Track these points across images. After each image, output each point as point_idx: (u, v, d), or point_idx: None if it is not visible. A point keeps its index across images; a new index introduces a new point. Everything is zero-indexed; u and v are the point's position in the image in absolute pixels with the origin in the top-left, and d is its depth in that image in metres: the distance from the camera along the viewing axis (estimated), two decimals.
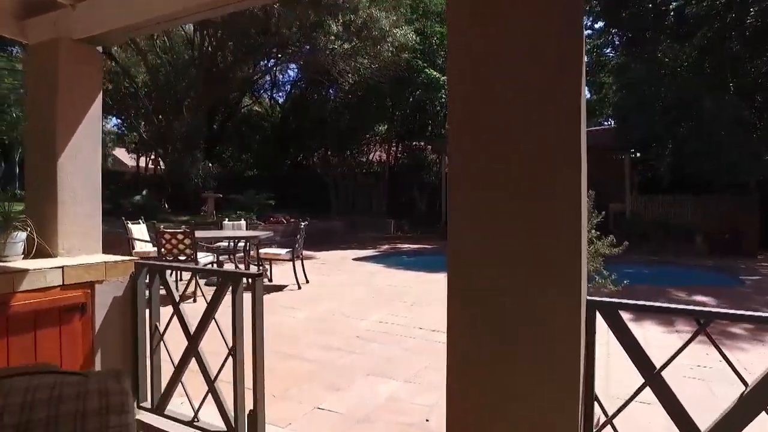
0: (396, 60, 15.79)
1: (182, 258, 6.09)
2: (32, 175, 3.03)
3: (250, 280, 2.44)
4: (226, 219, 8.73)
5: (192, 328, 2.61)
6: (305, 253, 10.53)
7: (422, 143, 21.23)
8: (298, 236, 7.09)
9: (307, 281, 7.40)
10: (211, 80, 16.63)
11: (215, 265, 7.25)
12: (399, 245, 14.27)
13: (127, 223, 7.19)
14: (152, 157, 21.50)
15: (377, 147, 22.47)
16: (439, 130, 20.26)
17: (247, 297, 2.46)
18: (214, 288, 6.46)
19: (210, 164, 15.32)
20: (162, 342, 2.79)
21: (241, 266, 7.77)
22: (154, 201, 13.83)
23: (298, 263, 7.19)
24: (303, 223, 7.20)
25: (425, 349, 4.30)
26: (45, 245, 2.82)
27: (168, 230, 6.03)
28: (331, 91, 22.50)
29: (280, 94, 25.57)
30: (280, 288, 7.05)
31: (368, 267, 9.74)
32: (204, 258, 6.44)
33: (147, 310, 2.87)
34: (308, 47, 15.04)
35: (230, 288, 2.53)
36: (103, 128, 30.38)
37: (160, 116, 15.77)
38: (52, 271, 2.47)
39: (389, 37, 14.52)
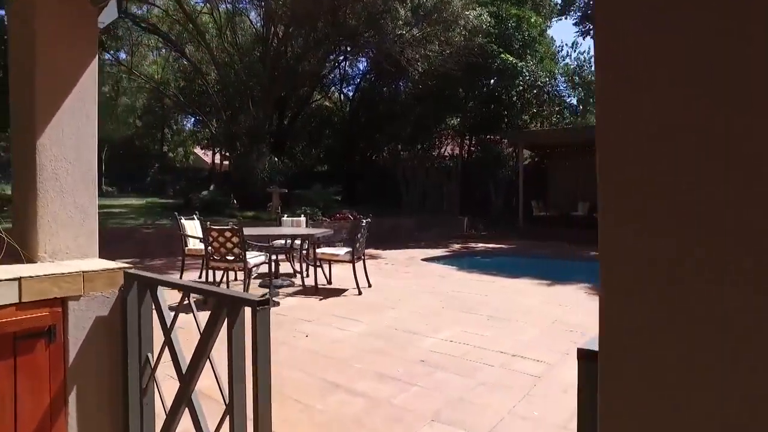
0: (469, 45, 14.69)
1: (230, 258, 5.53)
2: (15, 161, 2.46)
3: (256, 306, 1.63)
4: (285, 215, 8.19)
5: (185, 365, 1.88)
6: (371, 251, 9.83)
7: (497, 136, 19.93)
8: (359, 235, 6.34)
9: (369, 285, 6.65)
10: (279, 74, 16.40)
11: (271, 265, 6.68)
12: (472, 245, 13.24)
13: (180, 219, 6.78)
14: (224, 153, 21.85)
15: (449, 140, 21.45)
16: (515, 121, 18.92)
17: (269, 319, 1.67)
18: (267, 290, 5.63)
19: (276, 159, 15.04)
20: (153, 379, 2.10)
21: (297, 266, 7.17)
22: (222, 196, 13.72)
23: (359, 265, 6.45)
24: (365, 221, 6.44)
25: (508, 382, 3.36)
26: (17, 247, 2.22)
27: (215, 227, 5.49)
28: (400, 83, 21.78)
29: (349, 88, 25.18)
30: (338, 292, 6.34)
31: (438, 269, 8.84)
32: (255, 258, 5.85)
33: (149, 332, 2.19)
34: (375, 36, 14.31)
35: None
36: (183, 127, 31.60)
37: (229, 112, 15.74)
38: (2, 285, 1.83)
39: (461, 20, 13.46)
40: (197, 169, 29.01)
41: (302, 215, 8.24)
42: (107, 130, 23.05)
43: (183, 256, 6.80)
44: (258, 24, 19.05)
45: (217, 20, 16.81)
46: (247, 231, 6.22)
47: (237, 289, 6.19)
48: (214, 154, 26.72)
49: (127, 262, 6.83)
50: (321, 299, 5.93)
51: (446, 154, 21.29)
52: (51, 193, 2.30)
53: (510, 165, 19.88)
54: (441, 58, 14.98)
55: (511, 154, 20.22)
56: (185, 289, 1.82)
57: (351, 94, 25.02)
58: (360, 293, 6.23)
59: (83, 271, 2.05)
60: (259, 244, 6.50)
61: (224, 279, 6.41)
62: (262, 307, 1.51)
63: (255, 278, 6.98)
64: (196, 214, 7.35)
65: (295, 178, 17.65)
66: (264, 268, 6.60)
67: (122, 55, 21.97)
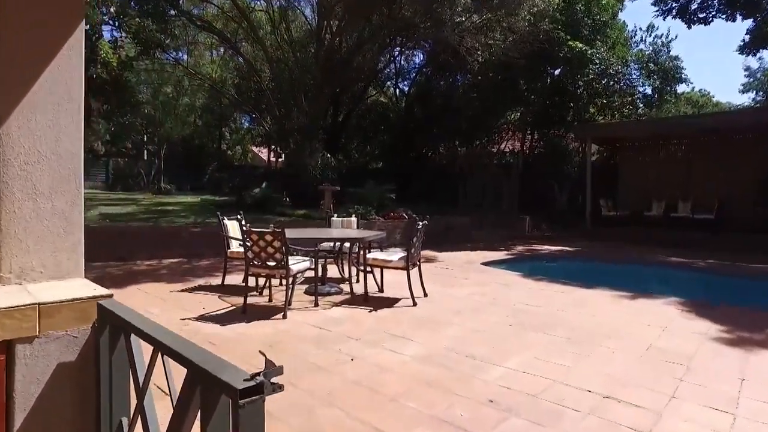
0: (533, 32, 13.63)
1: (271, 263, 5.02)
2: None
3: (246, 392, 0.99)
4: (335, 215, 7.66)
5: None
6: (426, 253, 9.14)
7: (561, 130, 18.67)
8: (414, 239, 5.68)
9: (425, 294, 5.98)
10: (332, 69, 16.01)
11: (317, 271, 6.14)
12: (535, 246, 12.26)
13: (223, 219, 6.37)
14: (278, 150, 21.84)
15: (509, 135, 20.36)
16: (582, 113, 17.61)
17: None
18: (313, 298, 4.95)
19: (329, 156, 14.63)
20: None
21: (347, 271, 6.60)
22: (275, 194, 13.45)
23: (414, 272, 5.79)
24: (420, 223, 5.77)
25: None
26: None
27: (255, 230, 5.00)
28: (458, 76, 20.93)
29: (405, 82, 24.53)
30: (390, 303, 5.71)
31: (500, 275, 8.04)
32: (298, 264, 5.32)
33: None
34: (432, 26, 13.54)
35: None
36: (242, 126, 32.04)
37: (282, 109, 15.50)
38: None
39: (525, 3, 12.44)
40: (254, 167, 29.33)
41: (354, 215, 7.67)
42: (166, 128, 23.66)
43: (225, 259, 6.40)
44: (312, 19, 18.79)
45: (271, 16, 16.63)
46: (291, 233, 5.71)
47: (280, 296, 5.68)
48: (270, 151, 26.88)
49: (174, 263, 6.36)
50: (371, 311, 5.31)
51: (506, 149, 20.23)
52: (18, 195, 1.79)
53: (575, 161, 18.59)
54: (503, 46, 13.99)
55: (576, 150, 18.91)
56: (158, 346, 1.23)
57: (407, 89, 24.38)
58: (414, 304, 5.57)
59: (39, 304, 1.51)
60: (302, 248, 5.98)
61: (267, 285, 5.94)
62: (249, 399, 0.88)
63: (301, 283, 6.49)
64: (239, 214, 6.94)
65: (350, 176, 17.23)
66: (310, 272, 6.09)
67: (183, 57, 22.47)
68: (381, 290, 6.27)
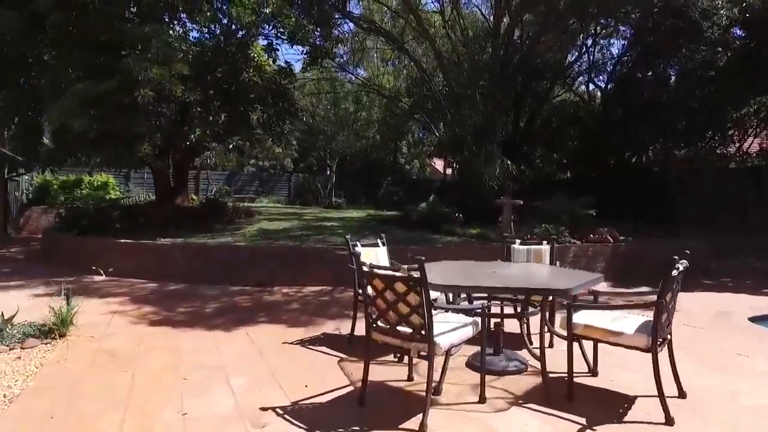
0: None
1: (405, 330, 2.94)
2: None
3: None
4: (518, 241, 5.26)
5: None
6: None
7: None
8: (669, 296, 3.04)
9: (680, 391, 3.30)
10: (510, 66, 13.64)
11: (484, 326, 3.89)
12: None
13: (355, 245, 4.50)
14: (450, 160, 20.10)
15: (753, 131, 15.34)
16: None
17: None
18: (477, 378, 2.14)
19: (509, 162, 12.16)
20: None
21: (530, 332, 4.18)
22: (445, 209, 11.50)
23: (663, 353, 3.15)
24: (680, 264, 3.09)
25: None
26: None
27: (380, 272, 2.96)
28: (670, 62, 16.67)
29: (600, 77, 20.71)
30: (614, 405, 3.16)
31: None
32: (452, 332, 3.11)
33: None
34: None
35: None
36: (419, 139, 31.10)
37: (455, 113, 13.58)
38: None
39: None
40: (430, 181, 28.18)
41: (545, 242, 5.17)
42: (338, 142, 23.77)
43: (355, 303, 4.56)
44: (486, 11, 16.73)
45: (443, 11, 14.98)
46: (444, 274, 3.58)
47: (423, 370, 3.58)
48: (445, 163, 25.47)
49: (313, 292, 4.15)
50: (582, 430, 2.87)
51: (750, 150, 15.25)
52: None
53: None
54: None
55: None
56: None
57: (602, 84, 20.55)
58: (668, 420, 2.94)
59: None
60: (459, 308, 3.78)
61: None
62: None
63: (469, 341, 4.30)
64: (381, 238, 5.05)
65: (533, 188, 14.46)
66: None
67: (361, 72, 22.31)
68: (593, 372, 3.75)
